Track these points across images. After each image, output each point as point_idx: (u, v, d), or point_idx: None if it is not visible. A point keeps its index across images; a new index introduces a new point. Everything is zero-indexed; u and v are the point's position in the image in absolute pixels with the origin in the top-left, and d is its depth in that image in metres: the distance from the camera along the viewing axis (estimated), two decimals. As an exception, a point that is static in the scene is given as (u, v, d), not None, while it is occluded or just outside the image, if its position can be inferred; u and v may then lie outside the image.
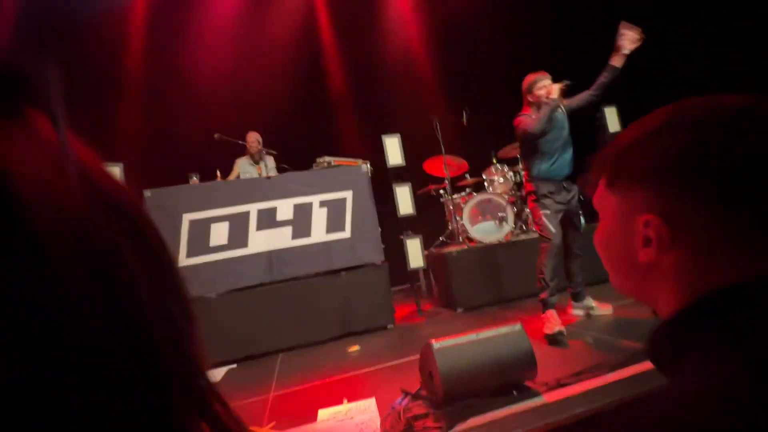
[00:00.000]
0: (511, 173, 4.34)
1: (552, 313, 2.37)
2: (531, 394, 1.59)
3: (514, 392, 1.61)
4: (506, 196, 4.02)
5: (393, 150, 3.69)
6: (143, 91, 4.91)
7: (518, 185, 4.35)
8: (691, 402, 0.30)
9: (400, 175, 3.72)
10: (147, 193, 3.15)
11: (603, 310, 2.64)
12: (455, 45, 5.71)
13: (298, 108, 5.25)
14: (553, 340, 2.19)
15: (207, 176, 3.62)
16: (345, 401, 1.92)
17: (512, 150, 4.40)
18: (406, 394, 1.79)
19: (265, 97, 5.09)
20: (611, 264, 0.49)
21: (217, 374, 2.85)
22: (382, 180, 3.78)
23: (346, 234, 3.47)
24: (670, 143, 0.40)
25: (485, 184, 4.41)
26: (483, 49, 5.62)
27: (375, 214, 3.58)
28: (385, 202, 3.70)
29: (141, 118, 4.83)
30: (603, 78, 2.42)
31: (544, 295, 2.44)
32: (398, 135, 3.73)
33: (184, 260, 3.14)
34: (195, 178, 3.44)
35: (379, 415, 1.70)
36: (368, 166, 3.69)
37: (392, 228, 3.76)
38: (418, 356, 1.86)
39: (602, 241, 0.49)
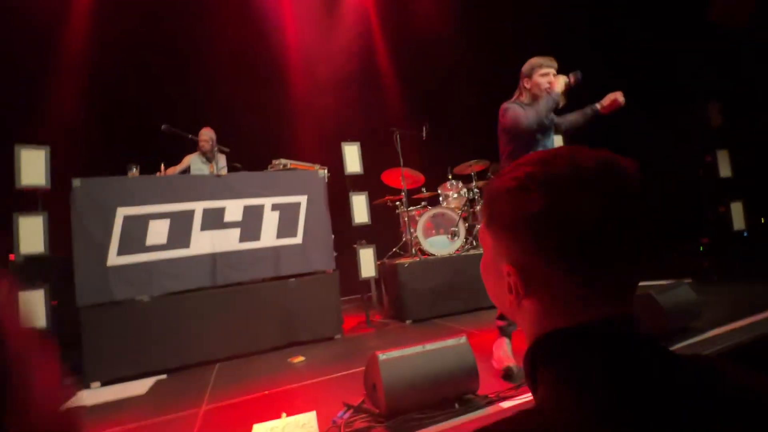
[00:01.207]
0: (465, 189, 4.49)
1: (504, 344, 2.09)
2: (473, 407, 1.61)
3: (456, 405, 1.62)
4: (459, 212, 4.14)
5: (352, 158, 3.67)
6: (83, 68, 4.48)
7: (471, 201, 4.51)
8: (532, 417, 0.39)
9: (357, 183, 3.70)
10: (76, 182, 2.85)
11: None
12: (419, 62, 5.88)
13: (256, 107, 5.07)
14: (505, 375, 1.95)
15: (149, 169, 3.36)
16: (284, 415, 1.82)
17: (467, 167, 4.56)
18: (349, 407, 1.73)
19: (222, 92, 4.87)
20: (489, 292, 0.55)
21: (142, 386, 2.60)
22: (338, 187, 3.73)
23: (298, 240, 3.37)
24: (528, 200, 0.44)
25: (440, 198, 4.52)
26: (446, 69, 5.83)
27: (329, 221, 3.52)
28: (339, 209, 3.65)
29: (78, 97, 4.40)
30: (580, 115, 2.19)
31: (501, 323, 2.16)
32: (358, 143, 3.72)
33: (114, 258, 2.86)
34: (135, 170, 3.17)
35: (318, 430, 1.63)
36: (325, 171, 3.63)
37: (346, 236, 3.72)
38: (362, 368, 1.82)
39: (483, 272, 0.55)
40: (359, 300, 4.09)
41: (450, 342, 1.68)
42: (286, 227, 3.35)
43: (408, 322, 3.54)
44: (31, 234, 2.69)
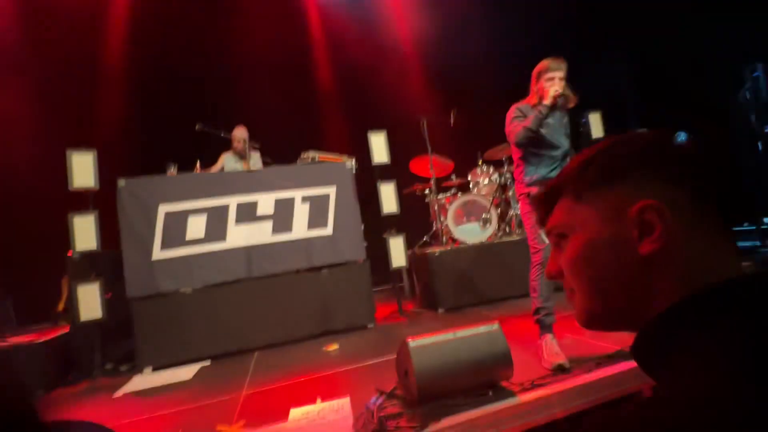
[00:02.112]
0: (496, 175, 4.36)
1: (549, 340, 1.97)
2: (506, 394, 1.57)
3: (490, 392, 1.59)
4: (491, 198, 4.03)
5: (378, 147, 3.65)
6: (123, 75, 4.75)
7: (503, 187, 4.37)
8: (675, 405, 0.29)
9: (385, 173, 3.68)
10: (121, 182, 3.03)
11: None
12: (445, 46, 5.72)
13: (284, 101, 5.16)
14: (557, 371, 1.80)
15: (186, 167, 3.51)
16: (318, 400, 1.86)
17: (498, 152, 4.42)
18: (381, 393, 1.75)
19: (251, 88, 4.99)
20: (597, 283, 0.44)
21: (189, 372, 2.76)
22: (368, 177, 3.74)
23: (328, 231, 3.41)
24: (636, 142, 0.44)
25: (470, 185, 4.42)
26: (472, 51, 5.64)
27: (358, 211, 3.54)
28: (369, 200, 3.66)
29: (119, 103, 4.68)
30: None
31: (539, 315, 2.08)
32: (384, 132, 3.69)
33: (158, 253, 3.04)
34: (173, 169, 3.33)
35: (352, 415, 1.66)
36: (353, 162, 3.64)
37: (376, 226, 3.72)
38: (394, 355, 1.83)
39: (583, 259, 0.44)
40: (391, 289, 4.11)
41: (482, 329, 1.65)
42: (316, 219, 3.40)
43: (440, 310, 3.51)
44: (85, 232, 2.90)
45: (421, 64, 6.05)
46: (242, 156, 3.99)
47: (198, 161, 3.60)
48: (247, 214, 3.25)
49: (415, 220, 4.58)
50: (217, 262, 3.14)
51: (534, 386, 1.58)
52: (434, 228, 4.28)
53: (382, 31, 5.85)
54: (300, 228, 3.35)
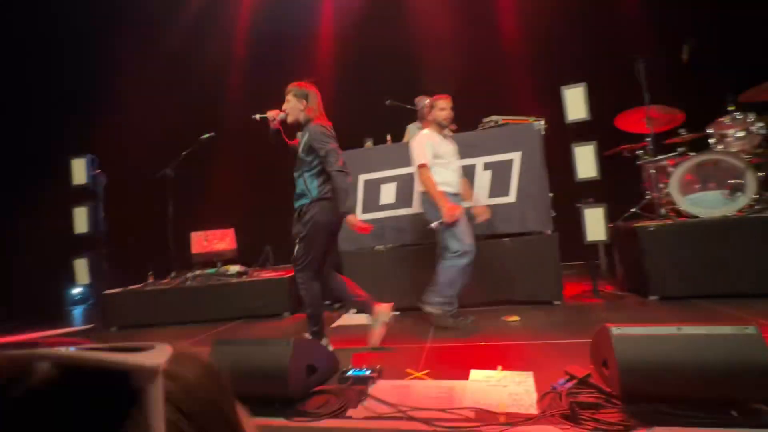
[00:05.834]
0: (759, 125, 3.12)
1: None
2: (764, 421, 1.17)
3: (734, 413, 1.21)
4: (747, 157, 2.93)
5: (575, 102, 3.15)
6: (334, 70, 5.67)
7: (770, 141, 3.11)
8: None
9: (581, 132, 3.17)
10: (332, 155, 3.65)
11: None
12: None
13: (465, 64, 5.03)
14: None
15: (380, 140, 3.92)
16: (499, 368, 1.85)
17: (761, 92, 3.13)
18: (572, 377, 1.59)
19: (436, 58, 5.08)
20: None
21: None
22: (560, 139, 3.30)
23: (511, 198, 3.24)
24: None
25: (710, 140, 3.32)
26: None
27: (545, 178, 3.20)
28: (562, 164, 3.24)
29: (330, 93, 5.61)
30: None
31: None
32: (584, 84, 3.14)
33: (360, 215, 3.57)
34: (369, 142, 3.78)
35: (536, 391, 1.58)
36: (542, 123, 3.27)
37: (569, 195, 3.29)
38: (587, 339, 1.62)
39: None
40: (584, 267, 3.62)
41: (728, 329, 1.25)
42: (498, 186, 3.27)
43: (652, 298, 2.88)
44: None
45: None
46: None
47: (388, 135, 3.96)
48: (431, 181, 3.40)
49: (620, 187, 3.80)
50: (404, 225, 3.46)
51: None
52: (648, 197, 3.47)
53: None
54: (481, 196, 3.29)
